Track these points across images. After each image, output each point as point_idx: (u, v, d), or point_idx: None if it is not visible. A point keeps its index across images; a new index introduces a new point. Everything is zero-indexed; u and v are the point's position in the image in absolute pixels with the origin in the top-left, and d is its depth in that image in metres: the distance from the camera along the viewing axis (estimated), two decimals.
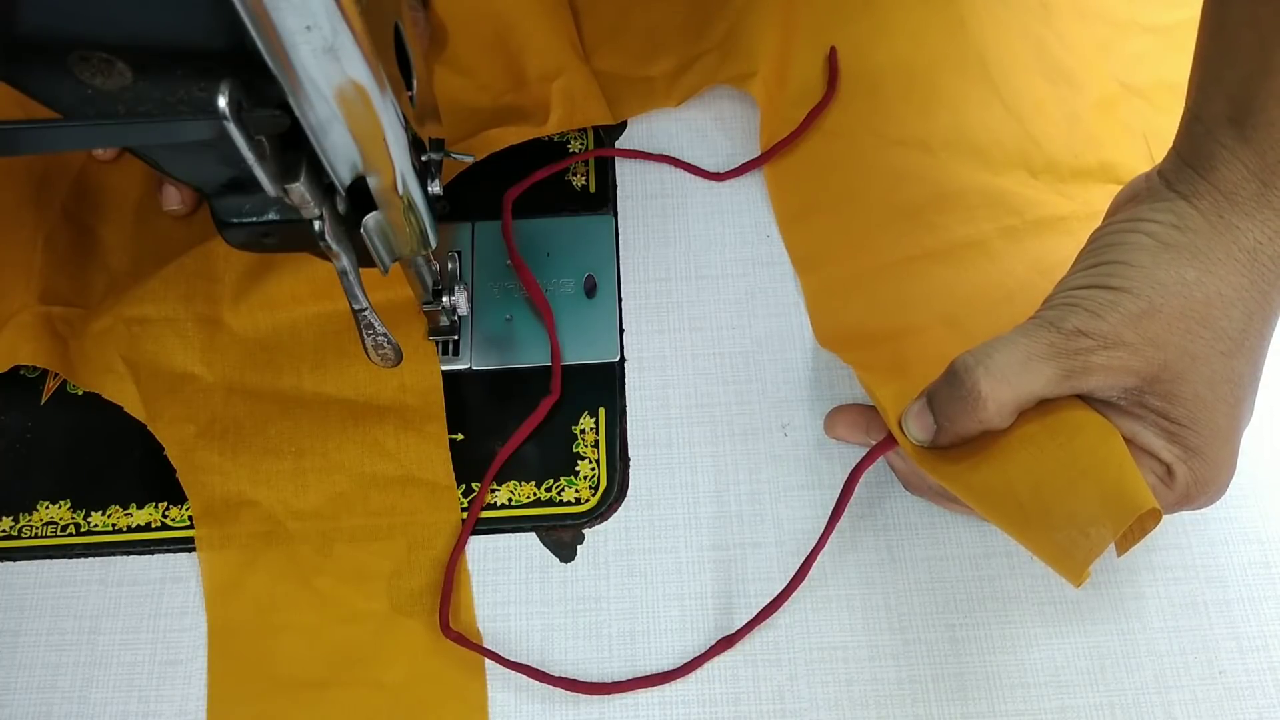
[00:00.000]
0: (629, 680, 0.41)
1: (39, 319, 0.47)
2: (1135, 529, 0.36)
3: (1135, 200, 0.37)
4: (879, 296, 0.48)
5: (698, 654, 0.42)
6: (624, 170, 0.52)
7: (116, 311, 0.47)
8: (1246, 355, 0.35)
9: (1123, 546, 0.36)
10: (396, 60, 0.33)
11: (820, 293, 0.48)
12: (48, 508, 0.45)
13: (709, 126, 0.53)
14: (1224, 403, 0.35)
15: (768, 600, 0.42)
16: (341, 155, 0.31)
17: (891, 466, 0.44)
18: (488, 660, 0.42)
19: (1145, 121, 0.51)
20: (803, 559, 0.42)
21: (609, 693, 0.41)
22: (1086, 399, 0.37)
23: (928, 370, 0.38)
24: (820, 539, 0.41)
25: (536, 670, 0.41)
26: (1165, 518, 0.43)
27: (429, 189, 0.37)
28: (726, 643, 0.42)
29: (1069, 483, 0.35)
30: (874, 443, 0.42)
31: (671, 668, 0.42)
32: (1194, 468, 0.35)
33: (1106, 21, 0.54)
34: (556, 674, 0.41)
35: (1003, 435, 0.37)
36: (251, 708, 0.42)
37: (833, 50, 0.53)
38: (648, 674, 0.41)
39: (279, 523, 0.44)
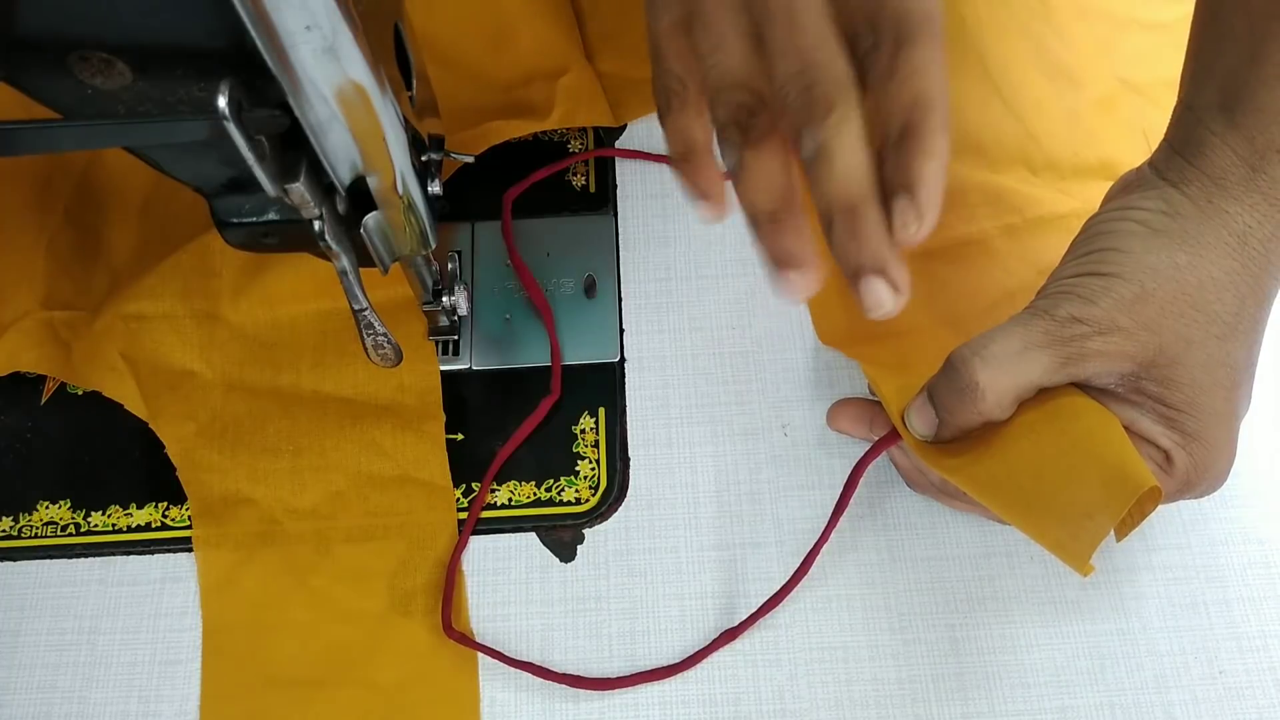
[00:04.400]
0: (632, 675, 0.41)
1: (41, 325, 0.47)
2: (1135, 512, 0.36)
3: (1126, 190, 0.38)
4: None
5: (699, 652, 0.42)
6: (624, 170, 0.52)
7: (114, 309, 0.47)
8: (1241, 339, 0.35)
9: (1122, 531, 0.36)
10: (396, 60, 0.33)
11: (822, 293, 0.48)
12: (48, 508, 0.45)
13: None
14: (1221, 387, 0.35)
15: (768, 600, 0.42)
16: (341, 155, 0.31)
17: (894, 463, 0.44)
18: (487, 660, 0.42)
19: (1145, 119, 0.51)
20: (803, 559, 0.42)
21: (612, 688, 0.41)
22: (1084, 387, 0.37)
23: (930, 367, 0.38)
24: (824, 532, 0.41)
25: (540, 668, 0.41)
26: (1165, 516, 0.44)
27: (429, 189, 0.37)
28: (730, 635, 0.42)
29: (1071, 467, 0.35)
30: (875, 437, 0.42)
31: (672, 664, 0.42)
32: (1193, 453, 0.35)
33: (1106, 19, 0.54)
34: (558, 673, 0.41)
35: (1004, 426, 0.37)
36: (244, 705, 0.42)
37: None
38: (650, 669, 0.41)
39: (276, 522, 0.44)
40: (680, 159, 0.35)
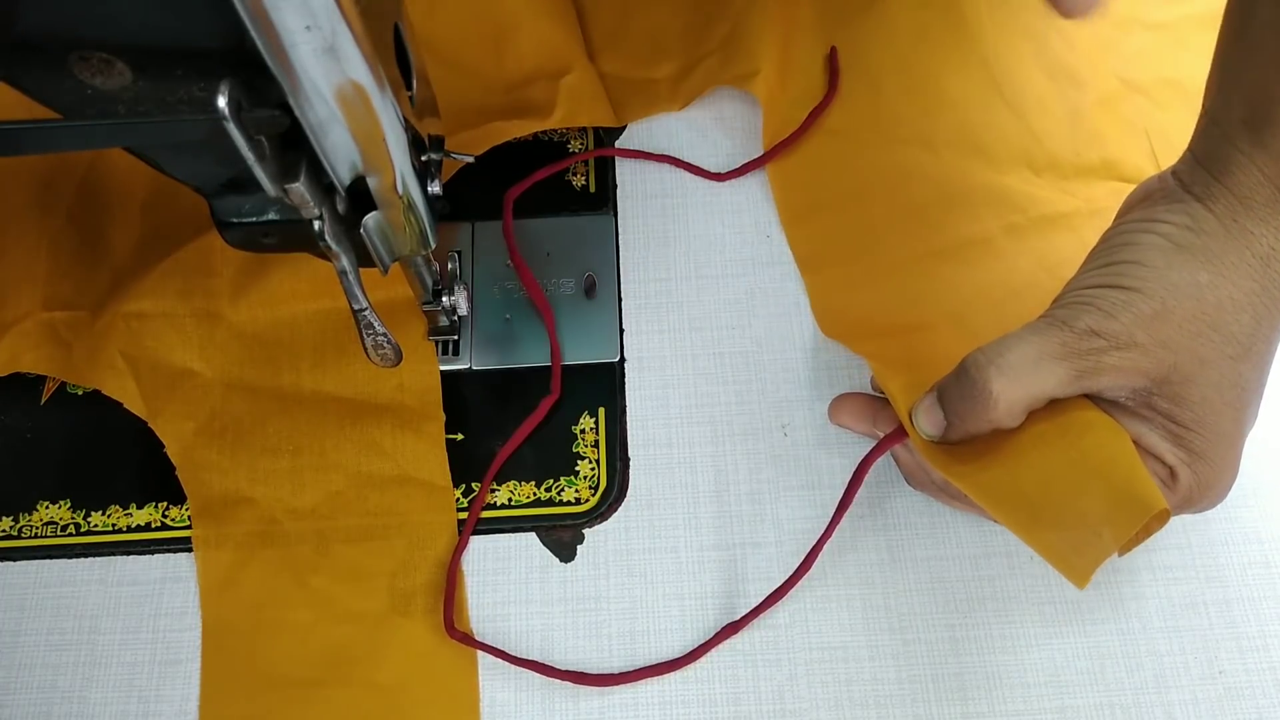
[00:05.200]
0: (635, 670, 0.41)
1: (42, 326, 0.47)
2: (1141, 530, 0.36)
3: (1149, 200, 0.37)
4: (884, 295, 0.48)
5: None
6: (624, 170, 0.52)
7: (115, 307, 0.47)
8: (1254, 361, 0.35)
9: (1125, 547, 0.36)
10: (396, 60, 0.33)
11: (825, 292, 0.48)
12: (48, 508, 0.45)
13: (710, 126, 0.53)
14: (1230, 407, 0.35)
15: (771, 594, 0.42)
16: (341, 155, 0.31)
17: (896, 459, 0.44)
18: (487, 660, 0.42)
19: (1147, 118, 0.51)
20: (802, 559, 0.42)
21: (614, 684, 0.41)
22: (1094, 399, 0.37)
23: (936, 365, 0.38)
24: (828, 527, 0.41)
25: (542, 665, 0.41)
26: None
27: (429, 189, 0.37)
28: (732, 629, 0.42)
29: (1079, 482, 0.35)
30: (878, 433, 0.42)
31: (675, 659, 0.42)
32: (1198, 471, 0.35)
33: (1108, 19, 0.54)
34: (560, 670, 0.41)
35: (1013, 434, 0.37)
36: (243, 705, 0.42)
37: (833, 50, 0.53)
38: (652, 664, 0.41)
39: (276, 522, 0.44)
40: None
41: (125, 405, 0.46)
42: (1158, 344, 0.34)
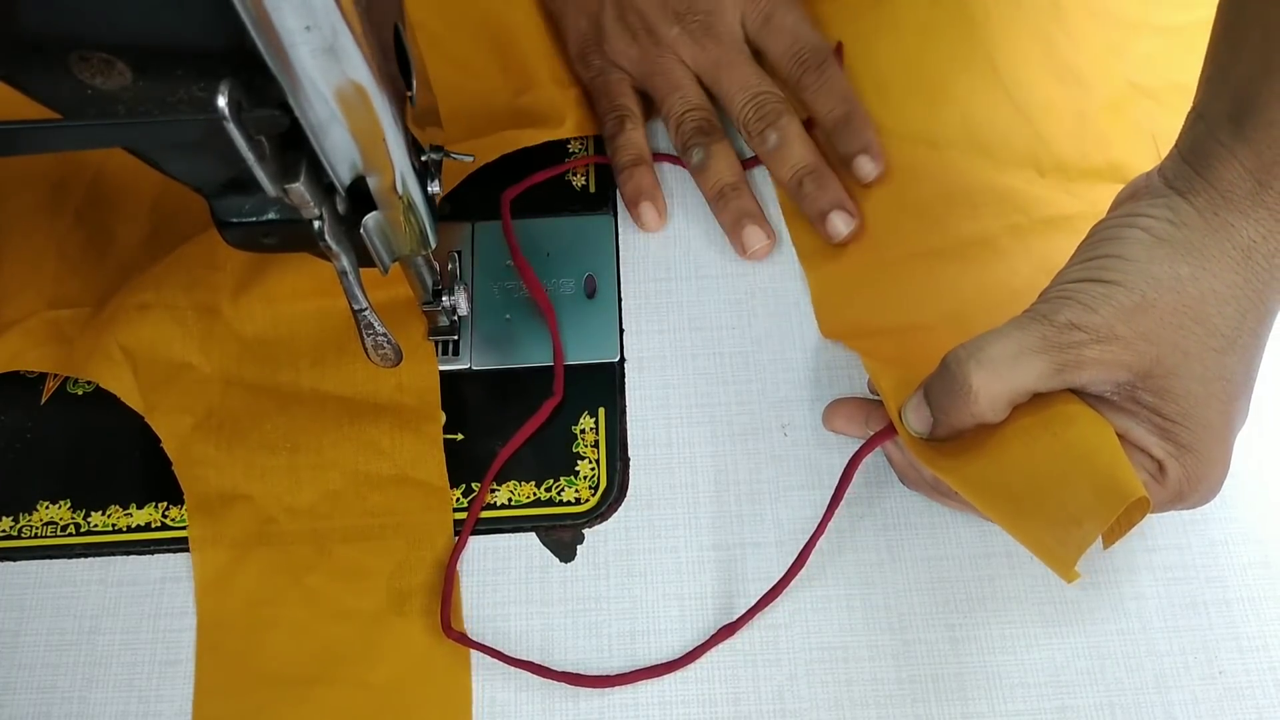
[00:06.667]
0: (632, 671, 0.41)
1: (45, 324, 0.47)
2: (1123, 521, 0.36)
3: (1134, 197, 0.38)
4: (885, 293, 0.48)
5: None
6: None
7: (118, 299, 0.47)
8: (1239, 353, 0.35)
9: (1109, 539, 0.36)
10: (396, 60, 0.33)
11: (826, 288, 0.48)
12: (48, 508, 0.45)
13: None
14: (1216, 400, 0.35)
15: (766, 593, 0.42)
16: (341, 155, 0.31)
17: (889, 458, 0.44)
18: (486, 660, 0.42)
19: (1155, 122, 0.51)
20: (796, 555, 0.42)
21: (612, 685, 0.41)
22: (1079, 394, 0.37)
23: (929, 363, 0.38)
24: (820, 524, 0.41)
25: (539, 666, 0.41)
26: (1165, 517, 0.44)
27: (429, 189, 0.37)
28: (729, 630, 0.42)
29: (1062, 473, 0.35)
30: (872, 434, 0.42)
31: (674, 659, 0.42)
32: (1186, 464, 0.35)
33: (1117, 22, 0.54)
34: (557, 671, 0.41)
35: (997, 429, 0.37)
36: (238, 703, 0.42)
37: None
38: (652, 664, 0.41)
39: (272, 520, 0.44)
40: (631, 165, 0.49)
41: (121, 398, 0.46)
42: (1139, 336, 0.34)
